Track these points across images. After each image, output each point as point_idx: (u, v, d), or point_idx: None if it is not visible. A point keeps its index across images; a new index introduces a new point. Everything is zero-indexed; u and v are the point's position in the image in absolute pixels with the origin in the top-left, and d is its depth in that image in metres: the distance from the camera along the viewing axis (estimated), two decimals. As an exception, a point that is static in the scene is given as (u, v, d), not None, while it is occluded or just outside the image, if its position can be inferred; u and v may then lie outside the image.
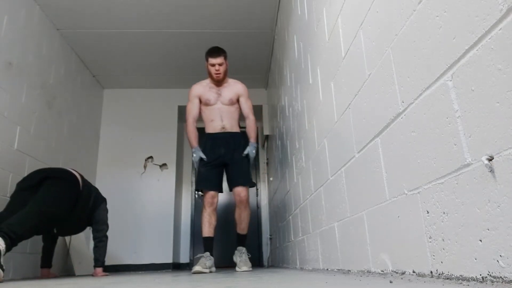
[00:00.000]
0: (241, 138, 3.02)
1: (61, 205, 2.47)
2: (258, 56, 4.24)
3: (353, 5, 1.36)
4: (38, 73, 3.30)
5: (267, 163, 4.96)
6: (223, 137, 2.97)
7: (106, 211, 3.00)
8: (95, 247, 2.89)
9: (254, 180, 2.83)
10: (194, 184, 5.15)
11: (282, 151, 3.40)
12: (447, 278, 0.81)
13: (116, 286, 1.29)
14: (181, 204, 5.02)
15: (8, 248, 2.00)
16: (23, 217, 2.21)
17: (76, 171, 2.77)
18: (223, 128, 2.98)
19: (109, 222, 3.01)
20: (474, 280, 0.72)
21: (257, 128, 3.17)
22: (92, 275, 2.93)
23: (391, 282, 0.90)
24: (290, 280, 1.29)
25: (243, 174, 2.93)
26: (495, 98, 0.65)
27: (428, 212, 0.89)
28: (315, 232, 2.03)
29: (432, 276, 0.87)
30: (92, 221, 2.90)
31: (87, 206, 2.79)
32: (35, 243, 3.01)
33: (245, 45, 4.04)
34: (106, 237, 2.93)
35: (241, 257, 2.83)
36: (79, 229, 2.96)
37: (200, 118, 3.08)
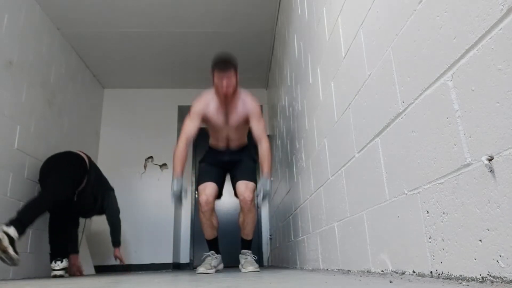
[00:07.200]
0: (247, 148, 2.74)
1: (67, 189, 2.81)
2: (258, 55, 4.24)
3: (353, 5, 1.36)
4: (38, 72, 3.30)
5: (267, 163, 4.95)
6: (228, 151, 2.70)
7: (115, 198, 3.26)
8: (111, 231, 3.17)
9: (253, 179, 2.68)
10: (194, 184, 5.15)
11: (282, 151, 3.39)
12: (447, 278, 0.81)
13: (116, 286, 1.29)
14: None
15: (21, 235, 2.30)
16: (34, 205, 2.55)
17: (83, 152, 3.11)
18: (229, 147, 2.69)
19: None
20: (474, 280, 0.72)
21: (272, 157, 2.73)
22: (114, 256, 3.26)
23: (391, 282, 0.90)
24: (290, 280, 1.29)
25: (248, 171, 2.62)
26: (495, 98, 0.65)
27: (428, 212, 0.89)
28: (315, 232, 2.03)
29: (432, 276, 0.87)
30: (104, 208, 3.19)
31: (99, 182, 3.12)
32: (37, 242, 3.02)
33: (245, 45, 4.03)
34: (119, 219, 3.21)
35: (246, 258, 2.60)
36: (96, 210, 3.22)
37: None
